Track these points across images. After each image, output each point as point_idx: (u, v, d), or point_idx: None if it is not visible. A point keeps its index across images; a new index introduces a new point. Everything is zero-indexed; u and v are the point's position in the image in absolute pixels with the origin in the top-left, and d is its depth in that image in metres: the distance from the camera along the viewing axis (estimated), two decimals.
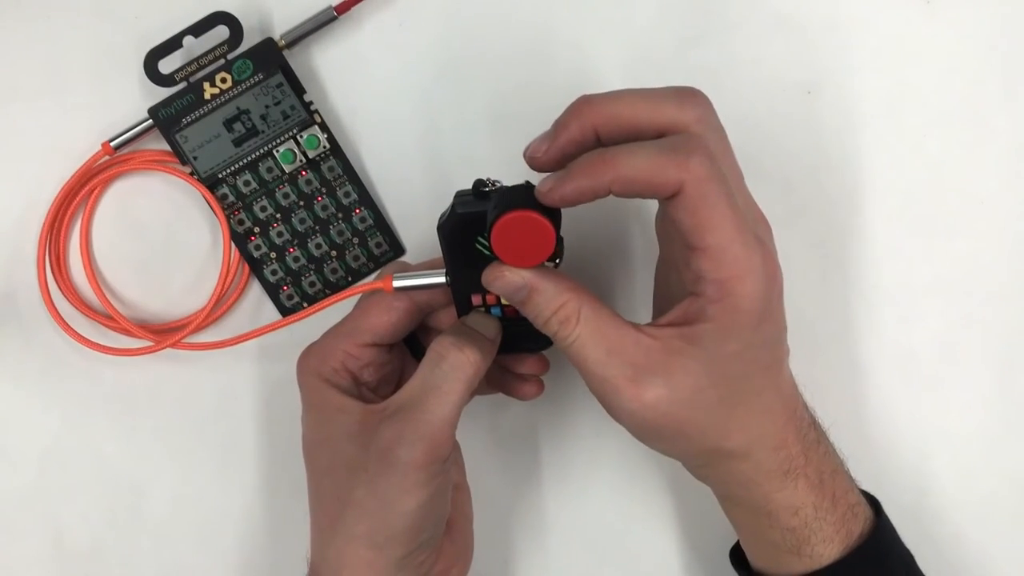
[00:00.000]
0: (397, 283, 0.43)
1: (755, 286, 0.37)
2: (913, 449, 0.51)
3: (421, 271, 0.43)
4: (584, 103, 0.38)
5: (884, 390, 0.51)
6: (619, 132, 0.37)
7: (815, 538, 0.40)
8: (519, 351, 0.45)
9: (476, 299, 0.43)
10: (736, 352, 0.38)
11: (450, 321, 0.45)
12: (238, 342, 0.47)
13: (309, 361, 0.43)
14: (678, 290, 0.39)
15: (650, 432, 0.39)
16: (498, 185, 0.40)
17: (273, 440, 0.51)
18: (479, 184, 0.40)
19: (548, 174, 0.38)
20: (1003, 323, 0.51)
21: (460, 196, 0.40)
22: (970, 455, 0.51)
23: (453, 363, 0.40)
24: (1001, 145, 0.50)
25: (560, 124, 0.38)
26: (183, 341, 0.48)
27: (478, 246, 0.40)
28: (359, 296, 0.44)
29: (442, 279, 0.42)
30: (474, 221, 0.40)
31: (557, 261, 0.40)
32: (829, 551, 0.40)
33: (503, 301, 0.43)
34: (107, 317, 0.50)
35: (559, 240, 0.39)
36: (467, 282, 0.42)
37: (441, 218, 0.41)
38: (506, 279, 0.39)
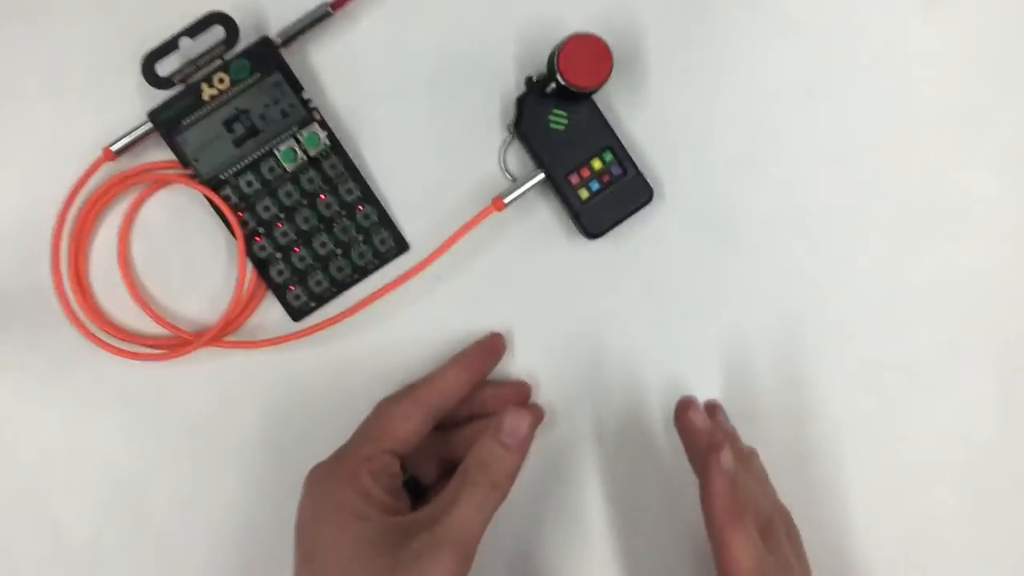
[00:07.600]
0: (507, 198, 0.48)
1: None
2: (912, 450, 0.51)
3: (517, 184, 0.48)
4: None
5: (883, 390, 0.51)
6: None
7: None
8: (628, 213, 0.49)
9: (574, 179, 0.48)
10: None
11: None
12: (269, 344, 0.49)
13: (325, 470, 0.44)
14: None
15: None
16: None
17: (274, 441, 0.51)
18: (528, 79, 0.48)
19: None
20: (1003, 323, 0.51)
21: (518, 100, 0.48)
22: (971, 456, 0.51)
23: (485, 496, 0.41)
24: (1001, 146, 0.50)
25: None
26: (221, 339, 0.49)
27: (551, 124, 0.47)
28: (374, 408, 0.46)
29: (540, 176, 0.48)
30: (538, 104, 0.48)
31: None
32: None
33: (596, 168, 0.48)
34: (126, 329, 0.50)
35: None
36: (559, 166, 0.48)
37: (509, 127, 0.48)
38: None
